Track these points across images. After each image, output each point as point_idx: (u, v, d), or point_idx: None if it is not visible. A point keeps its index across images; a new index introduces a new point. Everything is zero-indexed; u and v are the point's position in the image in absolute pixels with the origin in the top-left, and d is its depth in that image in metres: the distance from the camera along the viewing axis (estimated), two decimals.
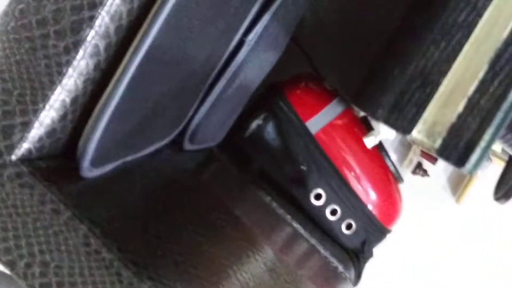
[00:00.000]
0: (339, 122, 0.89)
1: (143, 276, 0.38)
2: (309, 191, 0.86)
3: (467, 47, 0.36)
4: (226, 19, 0.53)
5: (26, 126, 0.39)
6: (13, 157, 0.39)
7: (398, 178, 0.91)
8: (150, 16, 0.39)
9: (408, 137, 0.39)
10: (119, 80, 0.39)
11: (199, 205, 0.57)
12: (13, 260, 0.38)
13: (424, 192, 1.09)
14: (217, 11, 0.49)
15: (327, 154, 0.86)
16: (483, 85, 0.36)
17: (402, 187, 0.93)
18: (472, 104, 0.36)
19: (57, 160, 0.41)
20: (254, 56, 0.67)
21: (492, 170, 0.82)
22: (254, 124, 0.89)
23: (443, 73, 0.37)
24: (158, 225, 0.46)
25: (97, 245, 0.38)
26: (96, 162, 0.42)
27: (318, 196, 0.86)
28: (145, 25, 0.40)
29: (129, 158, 0.49)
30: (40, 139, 0.39)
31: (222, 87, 0.64)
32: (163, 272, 0.39)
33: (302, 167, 0.86)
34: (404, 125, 0.38)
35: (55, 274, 0.38)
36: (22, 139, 0.39)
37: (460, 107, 0.36)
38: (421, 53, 0.37)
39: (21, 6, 0.39)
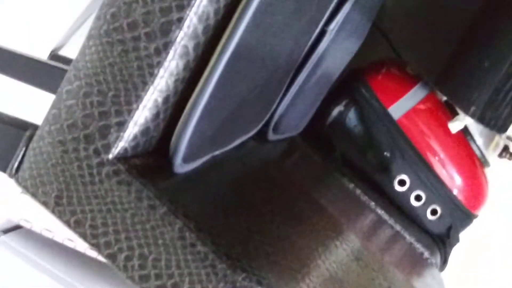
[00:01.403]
0: (422, 107, 0.88)
1: (237, 268, 0.39)
2: (393, 177, 0.86)
3: None
4: (309, 12, 0.54)
5: (122, 125, 0.40)
6: (110, 156, 0.40)
7: (484, 162, 0.89)
8: (236, 15, 0.40)
9: (503, 135, 0.38)
10: (208, 79, 0.41)
11: (285, 195, 0.58)
12: (114, 253, 0.40)
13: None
14: (300, 6, 0.50)
15: (411, 139, 0.85)
16: None
17: (488, 171, 0.91)
18: None
19: (151, 157, 0.43)
20: (336, 45, 0.68)
21: None
22: (336, 111, 0.89)
23: None
24: (248, 218, 0.47)
25: (192, 238, 0.39)
26: (188, 158, 0.44)
27: (402, 182, 0.85)
28: (231, 24, 0.41)
29: (217, 152, 0.51)
30: (135, 137, 0.41)
31: (304, 78, 0.64)
32: (255, 263, 0.40)
33: (385, 153, 0.86)
34: (499, 124, 0.38)
35: (153, 266, 0.40)
36: (118, 138, 0.40)
37: None
38: None
39: (112, 10, 0.40)
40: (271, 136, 0.68)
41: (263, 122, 0.62)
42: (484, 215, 0.91)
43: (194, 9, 0.39)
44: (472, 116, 0.39)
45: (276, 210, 0.53)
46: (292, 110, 0.68)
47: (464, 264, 1.03)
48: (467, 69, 0.60)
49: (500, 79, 0.37)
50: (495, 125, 0.38)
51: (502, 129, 0.38)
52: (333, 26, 0.63)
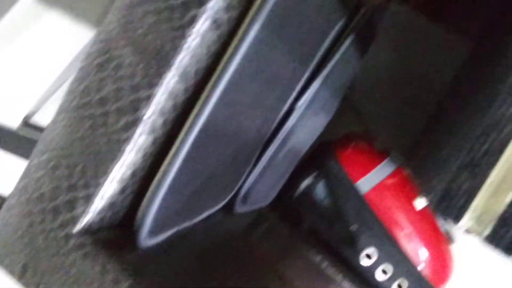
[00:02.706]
0: (390, 181, 0.89)
1: None
2: (359, 251, 0.86)
3: None
4: (278, 90, 0.55)
5: (89, 199, 0.41)
6: (77, 229, 0.41)
7: (449, 239, 0.90)
8: (205, 93, 0.42)
9: (458, 225, 0.40)
10: (175, 155, 0.41)
11: (250, 270, 0.58)
12: None
13: (475, 253, 1.07)
14: (270, 85, 0.51)
15: (378, 214, 0.86)
16: None
17: (454, 247, 0.92)
18: None
19: (117, 231, 0.43)
20: (304, 121, 0.69)
21: None
22: (305, 184, 0.90)
23: (492, 164, 0.38)
24: None
25: None
26: (153, 232, 0.44)
27: (368, 256, 0.86)
28: (200, 102, 0.42)
29: (184, 225, 0.51)
30: (101, 211, 0.41)
31: (273, 152, 0.65)
32: None
33: (352, 226, 0.86)
34: (454, 214, 0.39)
35: None
36: (85, 211, 0.41)
37: (509, 198, 0.37)
38: (470, 143, 0.38)
39: (83, 85, 0.41)
40: (239, 208, 0.68)
41: (231, 195, 0.63)
42: None
43: (163, 87, 0.40)
44: (430, 203, 0.40)
45: (241, 285, 0.53)
46: (261, 183, 0.69)
47: None
48: (430, 153, 0.62)
49: (456, 170, 0.38)
50: (450, 215, 0.39)
51: (456, 220, 0.39)
52: (302, 103, 0.64)
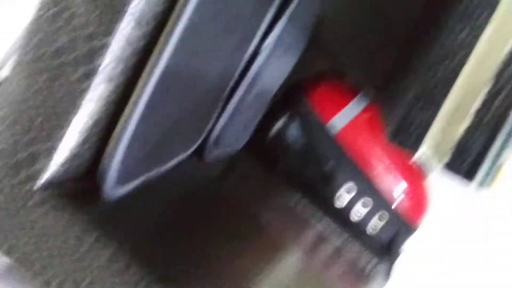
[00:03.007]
0: (364, 117, 0.89)
1: None
2: (336, 189, 0.86)
3: (468, 66, 0.37)
4: (240, 31, 0.54)
5: (51, 151, 0.40)
6: (40, 182, 0.40)
7: (426, 171, 0.91)
8: (162, 38, 0.41)
9: (416, 154, 0.40)
10: (136, 102, 0.41)
11: (223, 215, 0.58)
12: (47, 280, 0.40)
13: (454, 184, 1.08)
14: (230, 26, 0.51)
15: (352, 151, 0.87)
16: (487, 101, 0.36)
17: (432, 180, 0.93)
18: (477, 120, 0.37)
19: (82, 182, 0.43)
20: (272, 62, 0.68)
21: None
22: (278, 125, 0.89)
23: (446, 92, 0.38)
24: (184, 240, 0.47)
25: (126, 262, 0.39)
26: (119, 181, 0.44)
27: (344, 194, 0.86)
28: (158, 48, 0.41)
29: (152, 173, 0.51)
30: (64, 163, 0.41)
31: (241, 95, 0.65)
32: (191, 286, 0.41)
33: (327, 165, 0.87)
34: (410, 144, 0.39)
35: None
36: (47, 164, 0.40)
37: (466, 124, 0.37)
38: (423, 73, 0.38)
39: (37, 37, 0.40)
40: (211, 152, 0.68)
41: (200, 141, 0.62)
42: (426, 227, 0.93)
43: (119, 34, 0.39)
44: (388, 135, 0.40)
45: (213, 231, 0.53)
46: (231, 126, 0.68)
47: (407, 277, 1.04)
48: (395, 88, 0.62)
49: (409, 102, 0.38)
50: (407, 146, 0.39)
51: (413, 149, 0.39)
52: (268, 44, 0.63)
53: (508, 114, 0.36)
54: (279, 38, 0.66)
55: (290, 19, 0.65)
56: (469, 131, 0.37)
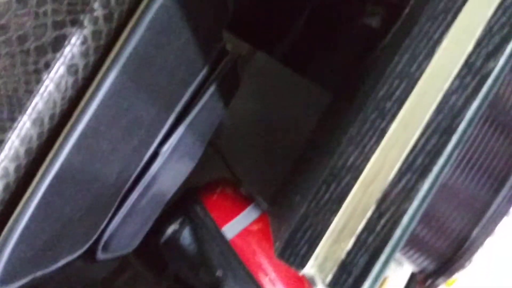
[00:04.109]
0: (255, 227, 0.90)
1: None
2: None
3: (355, 188, 0.39)
4: (140, 135, 0.55)
5: None
6: None
7: (313, 283, 0.92)
8: (59, 140, 0.41)
9: (301, 272, 0.41)
10: (27, 202, 0.40)
11: None
12: None
13: None
14: (131, 130, 0.51)
15: (243, 259, 0.87)
16: (371, 223, 0.38)
17: None
18: (360, 242, 0.39)
19: None
20: (169, 166, 0.69)
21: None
22: (170, 229, 0.89)
23: (333, 212, 0.39)
24: None
25: None
26: (4, 281, 0.42)
27: None
28: (54, 148, 0.41)
29: (39, 273, 0.49)
30: None
31: (136, 197, 0.64)
32: None
33: (217, 272, 0.86)
34: (297, 262, 0.40)
35: None
36: None
37: (350, 245, 0.39)
38: (312, 194, 0.40)
39: None
40: (101, 255, 0.66)
41: (90, 242, 0.61)
42: None
43: (16, 131, 0.39)
44: (276, 251, 0.41)
45: None
46: (123, 230, 0.68)
47: None
48: (285, 200, 0.64)
49: (298, 221, 0.39)
50: (294, 263, 0.40)
51: (300, 267, 0.40)
52: (166, 148, 0.64)
53: (390, 238, 0.37)
54: (178, 143, 0.67)
55: (190, 126, 0.67)
56: (352, 252, 0.39)
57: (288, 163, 0.95)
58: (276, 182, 0.94)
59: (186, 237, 0.88)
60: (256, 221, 0.90)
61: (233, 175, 0.97)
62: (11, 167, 0.40)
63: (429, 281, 0.56)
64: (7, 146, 0.39)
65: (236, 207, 0.91)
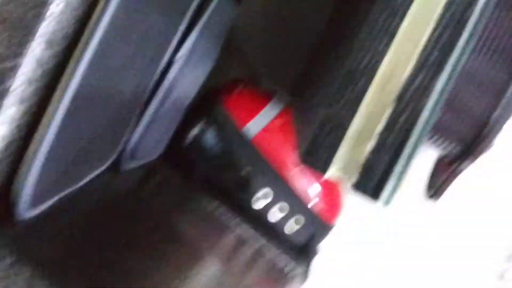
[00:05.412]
0: (277, 122, 0.90)
1: None
2: (253, 194, 0.87)
3: (372, 89, 0.39)
4: (154, 45, 0.55)
5: None
6: None
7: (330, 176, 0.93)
8: (73, 59, 0.41)
9: (325, 176, 0.41)
10: (48, 123, 0.40)
11: (141, 227, 0.58)
12: None
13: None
14: (143, 41, 0.51)
15: (267, 155, 0.88)
16: (390, 123, 0.38)
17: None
18: (381, 142, 0.39)
19: None
20: (186, 72, 0.69)
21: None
22: (193, 132, 0.90)
23: (352, 115, 0.39)
24: (103, 257, 0.47)
25: (41, 286, 0.39)
26: (34, 202, 0.43)
27: (261, 198, 0.87)
28: (69, 68, 0.41)
29: (67, 191, 0.50)
30: None
31: (156, 105, 0.65)
32: None
33: (243, 170, 0.88)
34: (320, 166, 0.41)
35: None
36: None
37: (371, 145, 0.39)
38: (329, 99, 0.40)
39: None
40: (127, 165, 0.68)
41: (116, 154, 0.62)
42: (341, 224, 0.95)
43: (30, 55, 0.39)
44: (299, 157, 0.41)
45: (132, 245, 0.53)
46: (147, 137, 0.68)
47: (327, 275, 1.06)
48: (304, 98, 0.63)
49: (318, 127, 0.39)
50: (317, 167, 0.40)
51: (323, 171, 0.41)
52: (181, 54, 0.63)
53: (410, 135, 0.37)
54: (193, 48, 0.66)
55: (203, 29, 0.66)
56: (374, 153, 0.39)
57: (304, 56, 0.94)
58: (294, 75, 0.94)
59: (209, 138, 0.89)
60: (277, 117, 0.90)
61: (252, 72, 0.97)
62: (28, 91, 0.40)
63: (454, 165, 0.57)
64: (22, 71, 0.39)
65: (257, 105, 0.91)
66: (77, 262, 0.44)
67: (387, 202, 0.39)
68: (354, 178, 0.39)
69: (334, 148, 0.39)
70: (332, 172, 0.40)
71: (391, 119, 0.38)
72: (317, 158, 0.40)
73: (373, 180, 0.38)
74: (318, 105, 0.42)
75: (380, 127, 0.38)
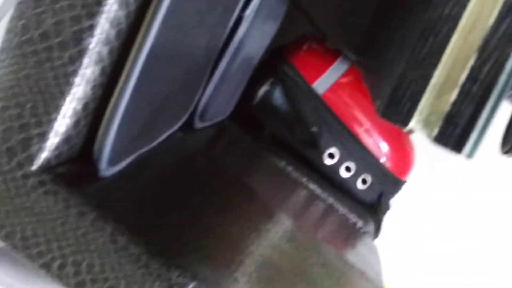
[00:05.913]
0: (345, 79, 0.90)
1: (171, 266, 0.40)
2: (322, 151, 0.87)
3: (455, 38, 0.38)
4: (222, 4, 0.54)
5: (43, 136, 0.40)
6: (34, 167, 0.40)
7: (409, 129, 0.92)
8: (147, 18, 0.41)
9: (406, 128, 0.40)
10: (125, 83, 0.41)
11: (214, 184, 0.59)
12: (47, 263, 0.41)
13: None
14: (212, 1, 0.51)
15: (336, 113, 0.87)
16: (474, 72, 0.37)
17: (414, 137, 0.94)
18: (464, 92, 0.37)
19: (76, 165, 0.43)
20: (254, 30, 0.68)
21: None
22: (262, 91, 0.90)
23: (434, 65, 0.38)
24: (178, 213, 0.48)
25: (124, 241, 0.40)
26: (113, 160, 0.44)
27: (331, 155, 0.87)
28: (143, 27, 0.41)
29: (144, 149, 0.51)
30: (57, 147, 0.41)
31: (226, 64, 0.65)
32: (189, 259, 0.42)
33: (313, 128, 0.88)
34: (401, 119, 0.40)
35: (87, 272, 0.40)
36: (40, 149, 0.40)
37: (454, 96, 0.38)
38: (410, 50, 0.39)
39: (22, 22, 0.40)
40: (198, 124, 0.68)
41: (188, 113, 0.63)
42: (413, 180, 0.94)
43: (104, 15, 0.39)
44: (378, 110, 0.40)
45: (206, 201, 0.54)
46: (217, 97, 0.69)
47: (397, 231, 1.06)
48: (376, 53, 0.62)
49: (399, 77, 0.38)
50: (398, 120, 0.40)
51: (404, 124, 0.40)
52: (249, 11, 0.63)
53: (494, 85, 0.36)
54: (260, 6, 0.66)
55: None
56: (457, 103, 0.38)
57: (370, 12, 0.92)
58: (361, 32, 0.93)
59: (277, 97, 0.89)
60: (345, 74, 0.90)
61: (318, 30, 0.96)
62: (105, 51, 0.41)
63: None
64: (97, 31, 0.39)
65: (324, 62, 0.91)
66: (155, 219, 0.45)
67: (470, 155, 0.38)
68: (436, 130, 0.38)
69: (416, 100, 0.38)
70: (413, 125, 0.40)
71: (474, 68, 0.37)
72: (397, 110, 0.39)
73: (456, 131, 0.37)
74: (394, 58, 0.41)
75: (463, 77, 0.37)
